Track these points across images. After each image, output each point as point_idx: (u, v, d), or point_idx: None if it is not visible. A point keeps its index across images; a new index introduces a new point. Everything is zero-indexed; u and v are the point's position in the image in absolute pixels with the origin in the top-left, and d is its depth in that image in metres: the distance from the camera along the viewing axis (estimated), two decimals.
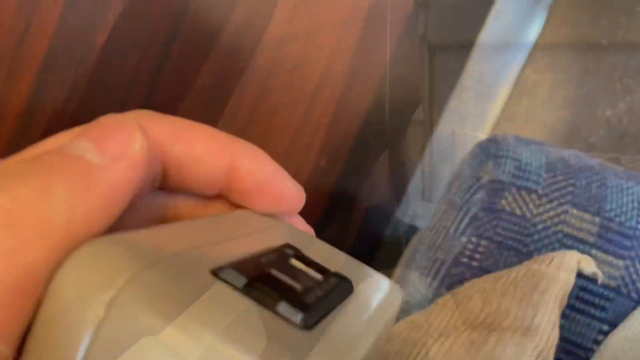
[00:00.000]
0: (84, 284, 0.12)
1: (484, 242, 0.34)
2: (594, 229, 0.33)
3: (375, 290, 0.19)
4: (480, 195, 0.35)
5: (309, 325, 0.13)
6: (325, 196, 0.53)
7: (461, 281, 0.34)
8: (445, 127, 0.86)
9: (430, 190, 0.78)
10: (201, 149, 0.17)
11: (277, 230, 0.19)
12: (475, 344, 0.23)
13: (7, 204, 0.12)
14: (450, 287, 0.35)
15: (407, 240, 0.67)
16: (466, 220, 0.35)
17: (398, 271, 0.46)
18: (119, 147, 0.14)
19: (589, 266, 0.25)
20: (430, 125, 0.87)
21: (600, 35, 0.87)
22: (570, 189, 0.34)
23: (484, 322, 0.24)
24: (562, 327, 0.33)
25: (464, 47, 0.86)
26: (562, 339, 0.33)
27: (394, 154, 0.68)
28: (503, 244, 0.34)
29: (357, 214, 0.63)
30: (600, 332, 0.32)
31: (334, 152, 0.50)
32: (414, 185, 0.75)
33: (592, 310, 0.32)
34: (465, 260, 0.34)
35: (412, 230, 0.73)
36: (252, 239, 0.17)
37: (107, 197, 0.13)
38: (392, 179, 0.70)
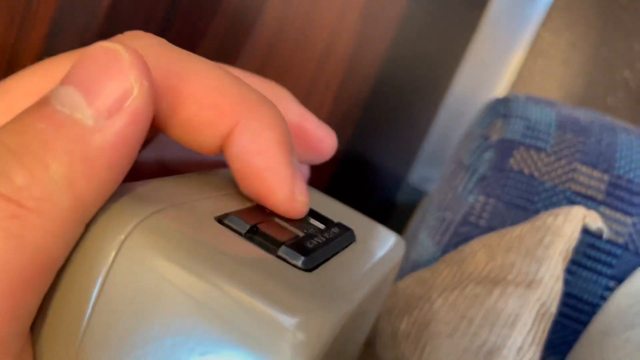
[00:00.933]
0: (94, 230, 0.13)
1: (491, 201, 0.34)
2: (603, 186, 0.33)
3: (377, 241, 0.19)
4: (488, 154, 0.35)
5: (309, 267, 0.14)
6: (336, 158, 0.53)
7: (469, 240, 0.35)
8: (458, 89, 0.85)
9: (443, 153, 0.78)
10: (191, 113, 0.13)
11: None
12: (479, 297, 0.24)
13: (7, 192, 0.11)
14: (458, 245, 0.35)
15: (418, 203, 0.67)
16: (474, 179, 0.35)
17: (409, 232, 0.46)
18: (114, 98, 0.12)
19: (595, 221, 0.26)
20: (443, 86, 0.86)
21: None
22: (579, 146, 0.34)
23: (488, 276, 0.25)
24: (568, 284, 0.33)
25: (477, 6, 0.84)
26: (569, 295, 0.33)
27: (406, 116, 0.68)
28: (511, 203, 0.34)
29: (368, 177, 0.63)
30: (607, 288, 0.33)
31: (345, 113, 0.50)
32: (426, 147, 0.75)
33: (599, 267, 0.33)
34: (473, 219, 0.34)
35: (424, 193, 0.73)
36: None
37: (109, 163, 0.12)
38: (404, 141, 0.70)
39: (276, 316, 0.12)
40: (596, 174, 0.33)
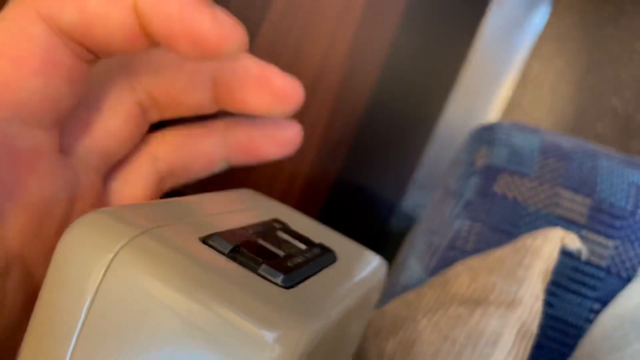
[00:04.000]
0: (83, 251, 0.14)
1: (477, 226, 0.35)
2: (585, 210, 0.34)
3: (359, 262, 0.20)
4: (474, 180, 0.36)
5: (288, 285, 0.15)
6: (328, 185, 0.54)
7: None
8: (449, 117, 0.86)
9: (435, 180, 0.79)
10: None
11: (269, 208, 0.21)
12: (462, 317, 0.24)
13: None
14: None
15: (411, 229, 0.68)
16: (461, 204, 0.36)
17: (399, 257, 0.47)
18: None
19: (573, 242, 0.26)
20: (434, 114, 0.87)
21: (606, 23, 0.87)
22: (561, 171, 0.35)
23: (471, 298, 0.25)
24: (554, 307, 0.34)
25: (467, 35, 0.86)
26: (555, 318, 0.34)
27: (398, 143, 0.69)
28: (496, 227, 0.35)
29: (361, 204, 0.64)
30: (592, 310, 0.33)
31: (337, 141, 0.51)
32: (419, 174, 0.76)
33: (584, 290, 0.33)
34: (459, 243, 0.35)
35: (417, 219, 0.74)
36: (244, 214, 0.19)
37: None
38: (396, 168, 0.71)
39: (255, 330, 0.13)
40: (578, 198, 0.34)
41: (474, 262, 0.28)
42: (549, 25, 0.91)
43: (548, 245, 0.25)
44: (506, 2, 0.87)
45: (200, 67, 0.18)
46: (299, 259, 0.16)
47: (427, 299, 0.27)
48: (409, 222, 0.74)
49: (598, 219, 0.34)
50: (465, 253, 0.35)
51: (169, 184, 0.21)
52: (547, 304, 0.33)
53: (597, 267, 0.33)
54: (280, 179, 0.42)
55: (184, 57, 0.16)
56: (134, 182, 0.19)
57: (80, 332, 0.14)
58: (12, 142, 0.15)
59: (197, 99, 0.18)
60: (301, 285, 0.15)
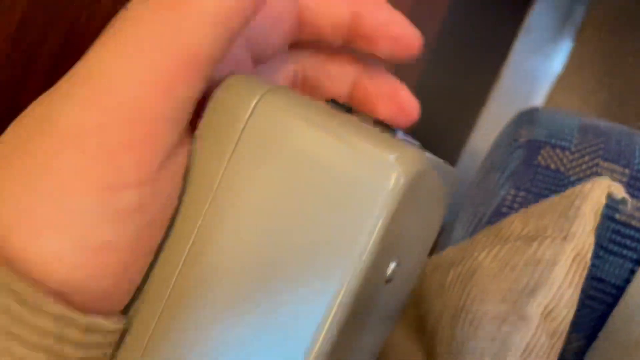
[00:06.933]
0: (236, 94, 0.17)
1: (522, 193, 0.37)
2: (624, 179, 0.36)
3: (440, 162, 0.23)
4: (517, 153, 0.39)
5: (398, 137, 0.18)
6: None
7: None
8: (473, 145, 0.89)
9: (460, 204, 0.81)
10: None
11: None
12: (520, 249, 0.27)
13: None
14: None
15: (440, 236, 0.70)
16: (505, 175, 0.39)
17: (441, 239, 0.49)
18: None
19: (619, 191, 0.29)
20: (460, 141, 0.90)
21: (629, 54, 0.91)
22: (600, 145, 0.38)
23: (526, 236, 0.28)
24: (596, 268, 0.35)
25: (495, 63, 0.90)
26: (597, 278, 0.36)
27: None
28: (540, 194, 0.37)
29: None
30: (632, 272, 0.35)
31: None
32: None
33: (625, 252, 0.35)
34: (505, 209, 0.38)
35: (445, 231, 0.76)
36: None
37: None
38: None
39: (380, 152, 0.16)
40: (617, 168, 0.37)
41: (526, 211, 0.30)
42: (573, 54, 0.94)
43: (597, 190, 0.28)
44: (533, 31, 0.91)
45: (347, 66, 0.21)
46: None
47: (482, 242, 0.30)
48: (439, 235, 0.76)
49: (637, 187, 0.36)
50: None
51: None
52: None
53: (638, 229, 0.35)
54: None
55: (379, 56, 0.20)
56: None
57: (230, 159, 0.17)
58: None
59: (336, 89, 0.21)
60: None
